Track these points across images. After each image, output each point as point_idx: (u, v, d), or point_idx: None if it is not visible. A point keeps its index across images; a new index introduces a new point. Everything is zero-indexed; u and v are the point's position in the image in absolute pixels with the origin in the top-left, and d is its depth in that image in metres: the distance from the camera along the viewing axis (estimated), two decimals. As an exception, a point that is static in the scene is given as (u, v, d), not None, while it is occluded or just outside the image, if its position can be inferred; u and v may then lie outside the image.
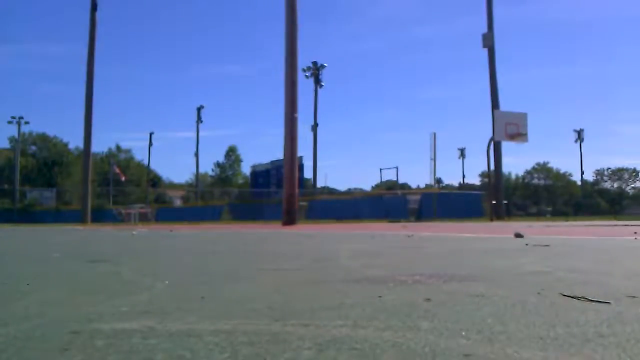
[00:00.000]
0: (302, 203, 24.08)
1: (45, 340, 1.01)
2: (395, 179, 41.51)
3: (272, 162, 38.02)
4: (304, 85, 45.09)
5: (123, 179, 45.21)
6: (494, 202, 23.71)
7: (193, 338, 1.01)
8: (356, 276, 2.00)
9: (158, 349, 0.93)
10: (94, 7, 25.06)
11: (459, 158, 63.18)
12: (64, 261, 3.05)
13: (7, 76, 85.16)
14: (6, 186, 48.94)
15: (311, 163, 45.26)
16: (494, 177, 26.31)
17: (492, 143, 22.90)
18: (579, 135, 53.04)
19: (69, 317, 1.22)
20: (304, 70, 45.12)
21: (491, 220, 20.82)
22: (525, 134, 21.17)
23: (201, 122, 51.20)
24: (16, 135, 53.03)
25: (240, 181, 64.61)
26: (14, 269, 2.59)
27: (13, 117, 51.99)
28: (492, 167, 24.88)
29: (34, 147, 61.87)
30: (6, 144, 56.10)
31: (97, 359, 0.87)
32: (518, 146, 24.82)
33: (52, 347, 0.95)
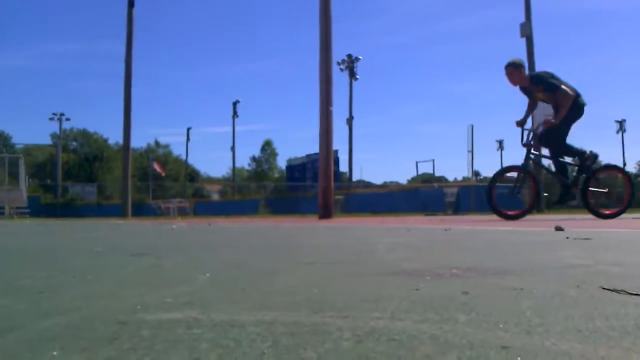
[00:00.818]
0: (337, 197, 24.12)
1: (94, 330, 1.05)
2: (432, 172, 41.16)
3: (308, 155, 38.13)
4: (339, 78, 45.02)
5: (162, 174, 45.94)
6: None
7: (236, 328, 1.04)
8: (393, 269, 2.01)
9: (202, 339, 0.96)
10: (130, 4, 25.48)
11: (497, 150, 62.33)
12: (107, 254, 3.14)
13: (48, 74, 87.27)
14: (49, 181, 50.32)
15: (347, 156, 45.25)
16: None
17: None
18: (621, 126, 51.71)
19: (116, 309, 1.27)
20: (338, 64, 45.09)
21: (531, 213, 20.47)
22: (565, 125, 20.73)
23: (237, 116, 51.68)
24: (58, 131, 54.43)
25: (276, 175, 65.04)
26: (60, 263, 2.68)
27: (54, 114, 53.45)
28: (531, 159, 24.43)
29: (75, 143, 63.38)
30: (48, 141, 57.60)
31: (144, 347, 0.91)
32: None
33: (102, 337, 0.99)
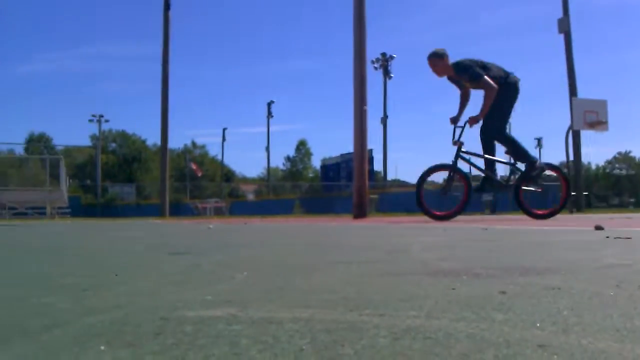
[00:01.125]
0: (372, 196, 24.05)
1: (138, 326, 1.09)
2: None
3: (342, 155, 38.10)
4: (373, 77, 44.88)
5: (199, 174, 46.52)
6: (573, 193, 22.87)
7: (274, 325, 1.06)
8: (429, 269, 2.01)
9: (242, 335, 0.99)
10: (167, 6, 25.87)
11: (536, 148, 61.31)
12: (147, 253, 3.21)
13: (87, 76, 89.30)
14: (89, 182, 51.45)
15: (381, 156, 45.09)
16: (573, 168, 25.36)
17: (571, 132, 22.07)
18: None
19: (158, 306, 1.31)
20: (372, 62, 44.94)
21: (571, 212, 20.10)
22: (606, 122, 20.27)
23: (271, 117, 51.96)
24: (97, 133, 55.58)
25: (311, 175, 65.19)
26: (102, 261, 2.76)
27: (94, 116, 54.60)
28: (571, 157, 23.99)
29: (114, 145, 64.59)
30: (88, 142, 58.86)
31: (187, 342, 0.94)
32: (598, 135, 23.80)
33: (146, 332, 1.02)
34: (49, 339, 0.99)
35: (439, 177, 8.78)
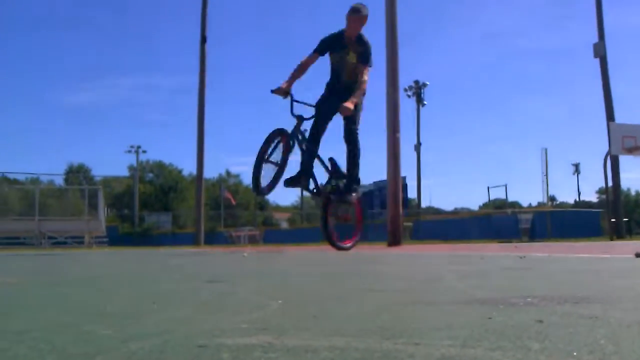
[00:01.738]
0: (406, 224, 23.88)
1: (177, 353, 1.11)
2: (505, 198, 40.08)
3: (375, 183, 37.94)
4: (406, 104, 44.91)
5: (233, 203, 46.89)
6: (613, 220, 22.33)
7: (310, 353, 1.07)
8: (465, 298, 2.00)
9: (278, 363, 1.00)
10: (203, 40, 26.48)
11: (574, 174, 60.30)
12: (183, 281, 3.25)
13: (125, 107, 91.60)
14: (126, 211, 52.30)
15: (415, 183, 44.79)
16: (612, 194, 24.80)
17: (609, 157, 21.65)
18: None
19: (195, 333, 1.33)
20: (405, 90, 45.01)
21: (611, 239, 19.59)
22: (645, 147, 19.82)
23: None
24: (134, 163, 56.71)
25: (345, 203, 64.73)
26: (140, 289, 2.80)
27: (131, 147, 55.78)
28: (610, 182, 23.49)
29: (151, 175, 65.68)
30: (125, 172, 59.98)
31: (225, 369, 0.96)
32: (638, 160, 23.30)
33: (184, 359, 1.05)
34: (92, 365, 1.02)
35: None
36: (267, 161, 6.93)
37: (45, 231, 21.93)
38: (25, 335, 1.36)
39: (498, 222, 29.96)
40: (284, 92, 6.85)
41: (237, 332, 1.33)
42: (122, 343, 1.22)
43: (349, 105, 6.57)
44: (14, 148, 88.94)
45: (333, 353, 1.07)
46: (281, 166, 6.89)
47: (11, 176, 30.46)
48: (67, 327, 1.50)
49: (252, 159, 6.87)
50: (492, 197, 45.22)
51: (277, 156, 6.96)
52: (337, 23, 6.88)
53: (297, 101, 6.95)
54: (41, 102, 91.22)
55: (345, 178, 7.17)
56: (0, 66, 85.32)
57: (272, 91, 6.79)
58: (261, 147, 6.90)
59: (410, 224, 28.81)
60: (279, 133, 6.96)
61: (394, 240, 13.67)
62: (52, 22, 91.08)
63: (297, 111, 6.99)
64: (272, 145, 6.96)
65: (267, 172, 6.93)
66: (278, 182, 6.91)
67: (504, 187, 53.65)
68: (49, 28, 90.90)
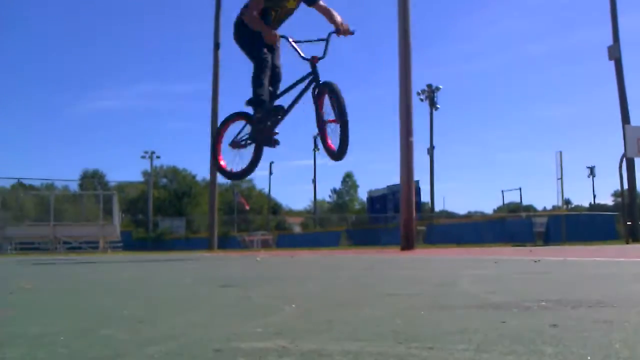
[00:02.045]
0: (420, 227, 23.81)
1: (193, 356, 1.13)
2: (519, 201, 39.84)
3: (389, 187, 37.88)
4: (419, 108, 44.80)
5: (247, 207, 46.99)
6: (628, 222, 22.10)
7: (324, 357, 1.08)
8: (479, 302, 2.00)
9: (293, 366, 1.01)
10: (216, 47, 26.59)
11: (589, 177, 59.76)
12: (198, 286, 3.27)
13: (139, 114, 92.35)
14: (140, 216, 52.60)
15: (428, 187, 44.64)
16: (628, 196, 24.56)
17: (625, 160, 21.45)
18: None
19: (210, 337, 1.35)
20: (418, 94, 44.93)
21: (626, 242, 19.40)
22: (661, 150, 19.60)
23: (317, 150, 52.09)
24: (149, 169, 57.05)
25: (357, 207, 64.95)
26: (155, 294, 2.83)
27: (146, 152, 56.12)
28: (625, 185, 23.26)
29: (165, 180, 66.01)
30: (140, 178, 60.32)
31: (240, 373, 0.97)
32: (654, 162, 23.08)
33: (201, 363, 1.06)
34: (110, 369, 1.04)
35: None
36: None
37: (60, 236, 22.10)
38: (44, 339, 1.38)
39: (512, 226, 29.76)
40: (278, 37, 6.37)
41: (252, 336, 1.35)
42: (139, 347, 1.24)
43: (344, 27, 6.34)
44: (29, 154, 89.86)
45: (347, 357, 1.07)
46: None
47: (27, 182, 30.76)
48: (84, 331, 1.52)
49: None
50: (506, 201, 45.00)
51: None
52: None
53: (298, 41, 6.41)
54: (56, 109, 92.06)
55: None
56: (16, 73, 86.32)
57: (266, 39, 6.30)
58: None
59: (423, 227, 28.70)
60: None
61: (407, 244, 13.63)
62: (70, 30, 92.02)
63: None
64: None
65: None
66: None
67: (519, 191, 53.38)
68: (67, 35, 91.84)
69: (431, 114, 45.85)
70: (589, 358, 1.02)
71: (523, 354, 1.07)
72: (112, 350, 1.22)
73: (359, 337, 1.29)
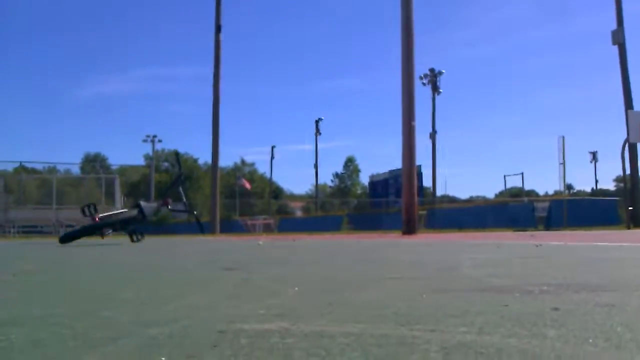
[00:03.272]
0: (421, 212, 23.81)
1: (196, 338, 1.13)
2: (521, 186, 39.78)
3: (391, 171, 37.85)
4: (422, 92, 44.61)
5: (248, 186, 46.99)
6: (630, 208, 22.08)
7: (326, 339, 1.09)
8: (481, 285, 2.00)
9: (295, 347, 1.02)
10: (218, 29, 26.46)
11: (591, 162, 59.60)
12: (200, 269, 3.29)
13: (141, 98, 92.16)
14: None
15: (430, 171, 44.56)
16: (630, 182, 24.53)
17: (627, 145, 21.40)
18: None
19: (214, 319, 1.35)
20: (421, 78, 44.70)
21: (628, 227, 19.42)
22: (664, 135, 19.54)
23: (319, 134, 52.00)
24: (151, 152, 57.08)
25: (359, 191, 65.01)
26: (158, 277, 2.84)
27: (147, 136, 56.11)
28: (628, 170, 23.22)
29: (166, 164, 66.08)
30: (141, 161, 60.29)
31: (243, 354, 0.98)
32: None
33: (204, 344, 1.07)
34: (114, 350, 1.05)
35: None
36: None
37: (63, 219, 22.17)
38: (47, 320, 1.39)
39: (514, 211, 29.74)
40: None
41: (254, 318, 1.35)
42: (143, 328, 1.24)
43: None
44: (32, 138, 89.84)
45: (349, 339, 1.08)
46: None
47: (29, 165, 30.78)
48: (86, 313, 1.52)
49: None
50: (508, 186, 44.89)
51: None
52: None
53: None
54: (58, 93, 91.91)
55: None
56: (19, 58, 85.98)
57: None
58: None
59: (425, 212, 28.71)
60: None
61: (409, 229, 13.66)
62: (72, 15, 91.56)
63: None
64: None
65: None
66: None
67: (521, 176, 53.16)
68: (68, 21, 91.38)
69: (433, 98, 45.67)
70: (590, 341, 1.02)
71: (525, 337, 1.07)
72: (114, 331, 1.23)
73: (360, 319, 1.30)
